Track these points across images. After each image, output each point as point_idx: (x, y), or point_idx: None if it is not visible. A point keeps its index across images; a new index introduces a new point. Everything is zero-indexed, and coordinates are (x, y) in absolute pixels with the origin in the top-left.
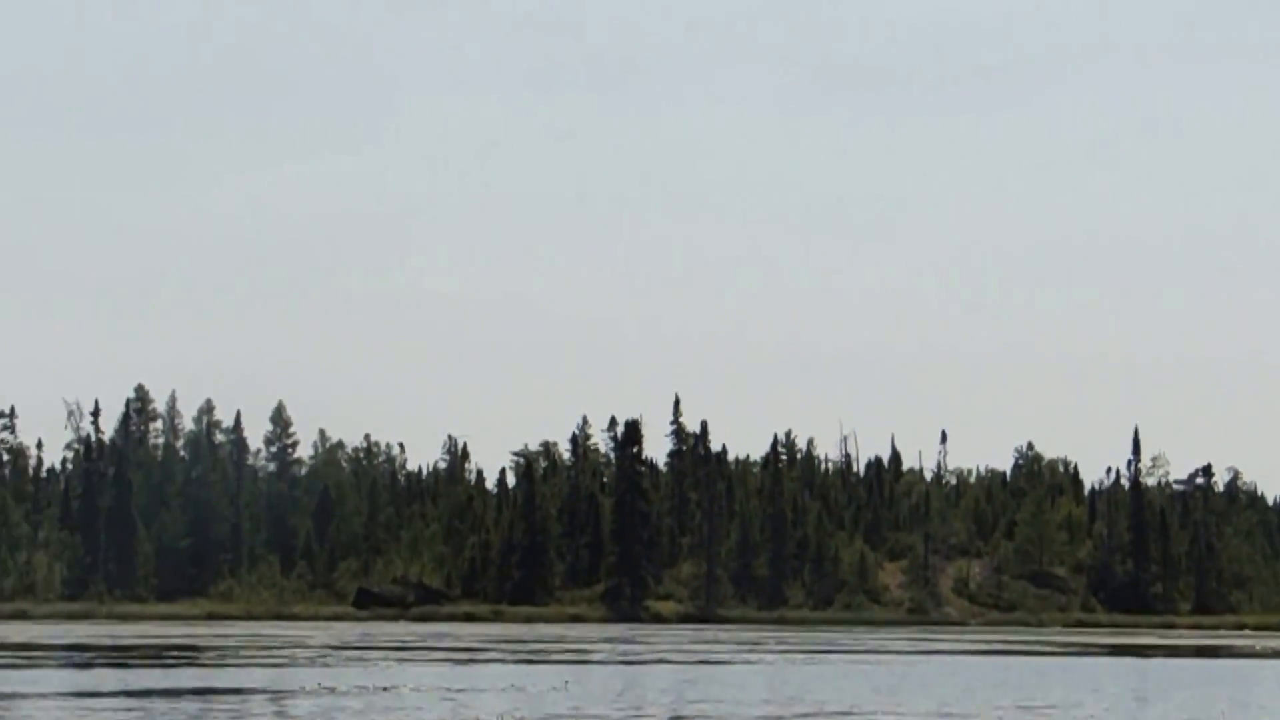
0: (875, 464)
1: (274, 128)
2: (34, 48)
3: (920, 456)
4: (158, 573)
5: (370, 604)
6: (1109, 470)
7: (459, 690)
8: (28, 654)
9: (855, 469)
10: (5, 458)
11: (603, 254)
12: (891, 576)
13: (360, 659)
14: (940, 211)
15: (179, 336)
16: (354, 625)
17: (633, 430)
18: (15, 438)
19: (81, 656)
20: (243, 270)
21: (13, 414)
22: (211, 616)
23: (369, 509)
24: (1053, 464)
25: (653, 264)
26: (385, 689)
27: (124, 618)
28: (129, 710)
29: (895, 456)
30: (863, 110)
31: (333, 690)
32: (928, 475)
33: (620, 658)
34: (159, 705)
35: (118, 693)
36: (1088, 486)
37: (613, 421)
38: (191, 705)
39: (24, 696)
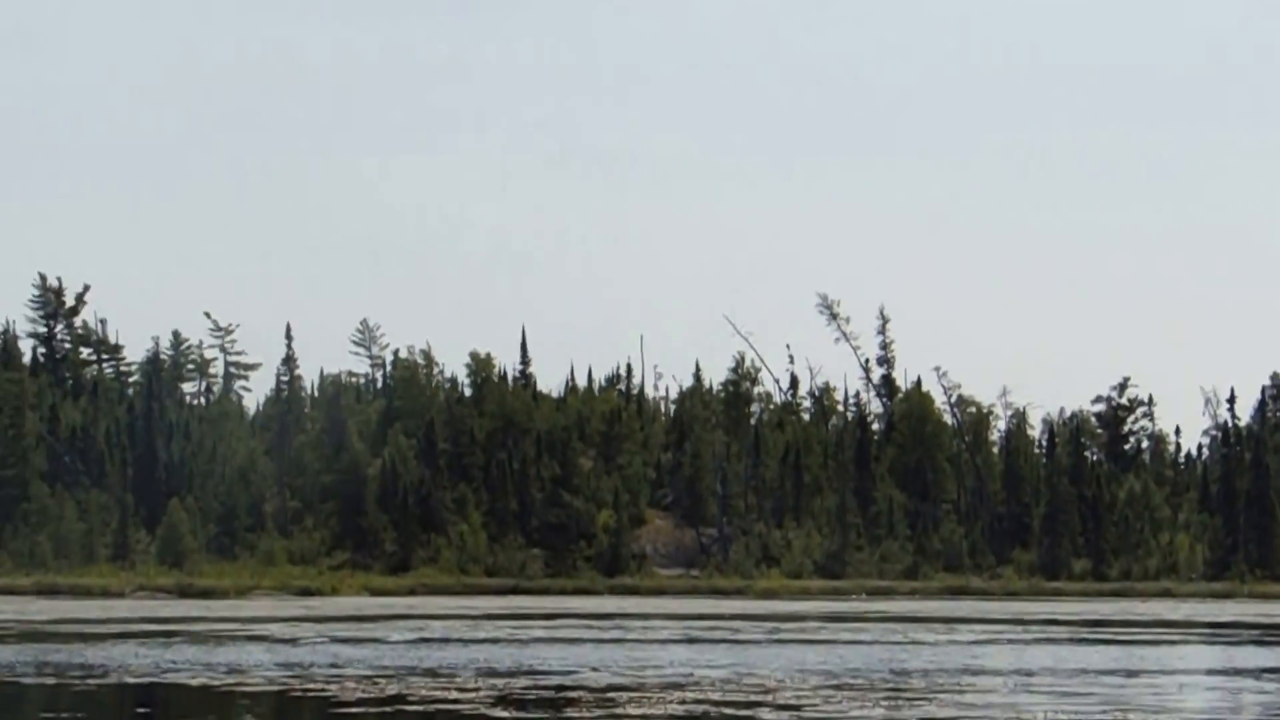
0: None
1: None
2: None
3: None
4: None
5: None
6: None
7: None
8: (1176, 630)
9: None
10: (1145, 444)
11: None
12: None
13: None
14: None
15: None
16: None
17: None
18: (1155, 425)
19: (1226, 634)
20: None
21: (1151, 403)
22: None
23: None
24: None
25: None
26: None
27: (1265, 597)
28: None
29: None
30: None
31: None
32: None
33: None
34: None
35: (1261, 670)
36: None
37: None
38: None
39: (1172, 673)
